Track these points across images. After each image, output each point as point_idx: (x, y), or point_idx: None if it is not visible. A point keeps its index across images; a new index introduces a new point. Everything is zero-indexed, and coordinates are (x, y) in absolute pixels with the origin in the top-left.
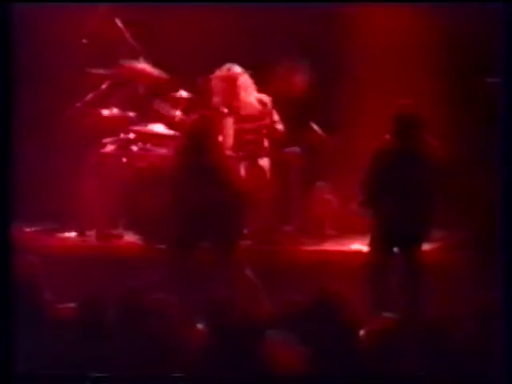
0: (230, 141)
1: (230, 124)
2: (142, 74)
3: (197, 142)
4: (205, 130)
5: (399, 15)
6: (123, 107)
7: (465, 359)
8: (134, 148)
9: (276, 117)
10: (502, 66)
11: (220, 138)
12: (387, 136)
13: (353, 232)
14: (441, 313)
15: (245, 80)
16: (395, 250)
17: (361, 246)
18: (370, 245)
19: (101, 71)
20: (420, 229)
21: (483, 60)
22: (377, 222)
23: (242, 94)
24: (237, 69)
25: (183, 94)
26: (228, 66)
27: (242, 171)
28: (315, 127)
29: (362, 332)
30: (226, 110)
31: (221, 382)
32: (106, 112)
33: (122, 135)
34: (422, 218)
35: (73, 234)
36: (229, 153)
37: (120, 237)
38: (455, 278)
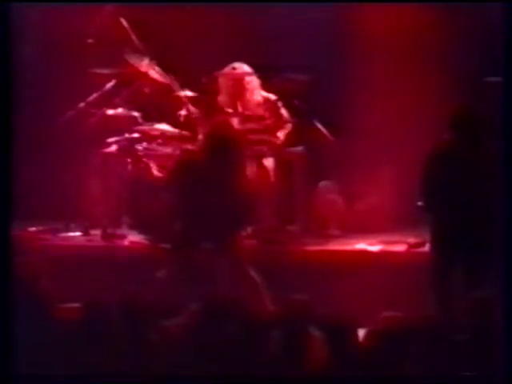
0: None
1: (234, 124)
2: (147, 75)
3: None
4: (222, 134)
5: (399, 15)
6: (128, 107)
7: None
8: (139, 147)
9: (281, 116)
10: (502, 65)
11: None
12: (444, 136)
13: (357, 232)
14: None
15: (250, 79)
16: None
17: (365, 245)
18: (433, 248)
19: (105, 71)
20: (480, 231)
21: (483, 60)
22: (440, 226)
23: (247, 94)
24: (243, 68)
25: (188, 93)
26: (234, 64)
27: (247, 171)
28: (320, 127)
29: (365, 332)
30: (230, 110)
31: (223, 381)
32: (110, 112)
33: (126, 135)
34: (482, 219)
35: (77, 234)
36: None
37: (124, 236)
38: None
